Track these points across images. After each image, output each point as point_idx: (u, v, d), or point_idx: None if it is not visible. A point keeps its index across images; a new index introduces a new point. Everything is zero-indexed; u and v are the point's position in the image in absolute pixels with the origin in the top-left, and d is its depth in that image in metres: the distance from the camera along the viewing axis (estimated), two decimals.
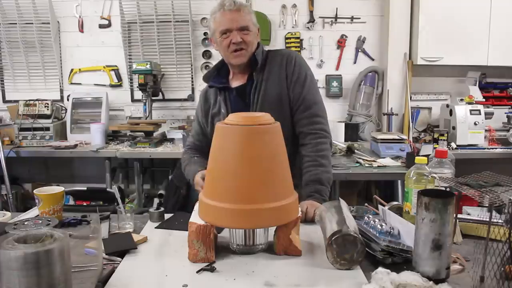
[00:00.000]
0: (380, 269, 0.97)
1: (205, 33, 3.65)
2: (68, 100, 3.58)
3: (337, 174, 2.43)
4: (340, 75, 3.66)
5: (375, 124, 3.58)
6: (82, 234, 1.31)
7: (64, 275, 0.87)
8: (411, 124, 3.40)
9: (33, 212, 1.52)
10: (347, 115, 3.66)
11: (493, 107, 3.33)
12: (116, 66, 3.70)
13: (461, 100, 3.14)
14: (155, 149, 3.08)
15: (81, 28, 3.66)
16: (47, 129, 3.28)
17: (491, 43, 3.30)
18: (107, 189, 1.96)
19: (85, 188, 1.92)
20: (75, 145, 3.15)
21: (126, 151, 3.07)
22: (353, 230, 1.08)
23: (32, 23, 3.54)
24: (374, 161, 2.67)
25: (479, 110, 3.06)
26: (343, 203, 1.25)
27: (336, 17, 3.62)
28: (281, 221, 1.13)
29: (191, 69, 3.67)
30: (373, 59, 3.68)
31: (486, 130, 3.10)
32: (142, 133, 3.33)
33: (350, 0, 3.61)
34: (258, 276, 1.04)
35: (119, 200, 1.37)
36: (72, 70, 3.70)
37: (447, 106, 3.24)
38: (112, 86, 3.71)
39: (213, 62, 3.51)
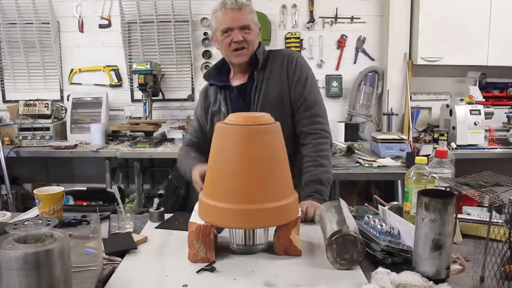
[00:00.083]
0: (380, 269, 0.97)
1: (205, 33, 3.65)
2: (68, 100, 3.58)
3: (337, 174, 2.43)
4: (340, 75, 3.66)
5: (375, 124, 3.58)
6: (82, 234, 1.31)
7: (64, 275, 0.87)
8: (411, 124, 3.40)
9: (33, 212, 1.52)
10: (347, 115, 3.66)
11: (493, 107, 3.34)
12: (116, 66, 3.70)
13: (461, 100, 3.14)
14: (155, 149, 3.08)
15: (81, 28, 3.66)
16: (47, 129, 3.28)
17: (491, 43, 3.30)
18: (107, 189, 1.96)
19: (85, 188, 1.92)
20: (75, 145, 3.15)
21: (126, 151, 3.07)
22: (353, 230, 1.08)
23: (32, 23, 3.54)
24: (374, 161, 2.67)
25: (479, 110, 3.06)
26: (343, 203, 1.25)
27: (336, 17, 3.62)
28: (281, 221, 1.13)
29: (191, 69, 3.67)
30: (373, 59, 3.68)
31: (486, 130, 3.10)
32: (142, 133, 3.33)
33: (350, 0, 3.61)
34: (258, 276, 1.04)
35: (119, 200, 1.37)
36: (72, 70, 3.70)
37: (447, 106, 3.24)
38: (112, 86, 3.71)
39: (213, 62, 3.51)
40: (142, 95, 3.47)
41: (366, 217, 1.25)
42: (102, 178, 3.21)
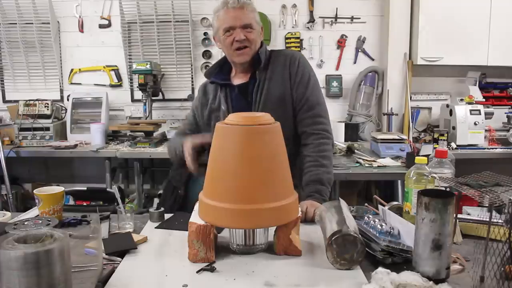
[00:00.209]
0: (380, 269, 0.97)
1: (205, 33, 3.65)
2: (68, 100, 3.58)
3: (337, 174, 2.43)
4: (340, 75, 3.66)
5: (375, 124, 3.58)
6: (82, 234, 1.31)
7: (64, 275, 0.87)
8: (411, 124, 3.40)
9: (33, 212, 1.52)
10: (347, 115, 3.66)
11: (493, 107, 3.34)
12: (116, 66, 3.70)
13: (461, 100, 3.14)
14: (155, 149, 3.08)
15: (81, 28, 3.66)
16: (47, 129, 3.28)
17: (491, 43, 3.30)
18: (107, 189, 1.97)
19: (85, 188, 1.92)
20: (75, 145, 3.15)
21: (126, 151, 3.07)
22: (353, 230, 1.08)
23: (32, 23, 3.54)
24: (374, 161, 2.67)
25: (479, 110, 3.06)
26: (343, 203, 1.25)
27: (336, 17, 3.62)
28: (281, 221, 1.13)
29: (191, 69, 3.67)
30: (373, 59, 3.68)
31: (486, 130, 3.10)
32: (142, 133, 3.33)
33: (350, 0, 3.61)
34: (258, 276, 1.04)
35: (119, 200, 1.37)
36: (72, 70, 3.70)
37: (447, 106, 3.24)
38: (112, 86, 3.72)
39: (213, 62, 3.50)
40: (142, 95, 3.47)
41: (366, 217, 1.25)
42: (102, 178, 3.21)
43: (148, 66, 3.29)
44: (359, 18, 3.63)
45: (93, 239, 1.19)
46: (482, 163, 2.58)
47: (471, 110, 3.05)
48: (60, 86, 3.72)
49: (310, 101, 1.66)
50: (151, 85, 3.39)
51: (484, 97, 3.38)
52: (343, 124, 3.42)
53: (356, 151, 2.94)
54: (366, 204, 1.52)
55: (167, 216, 1.47)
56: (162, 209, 1.45)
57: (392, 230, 1.17)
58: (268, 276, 1.03)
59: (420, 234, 0.99)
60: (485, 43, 3.31)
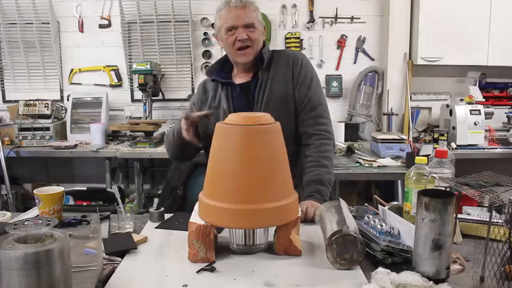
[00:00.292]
0: (380, 269, 0.97)
1: (205, 33, 3.65)
2: (68, 100, 3.58)
3: (337, 174, 2.43)
4: (340, 75, 3.66)
5: (375, 124, 3.58)
6: (82, 234, 1.31)
7: (64, 275, 0.87)
8: (411, 124, 3.40)
9: (33, 212, 1.52)
10: (347, 115, 3.66)
11: (493, 107, 3.34)
12: (116, 66, 3.70)
13: (461, 100, 3.14)
14: (155, 149, 3.08)
15: (81, 28, 3.66)
16: (47, 129, 3.29)
17: (491, 43, 3.30)
18: (107, 189, 1.96)
19: (85, 188, 1.92)
20: (75, 145, 3.15)
21: (126, 151, 3.07)
22: (353, 230, 1.08)
23: (32, 23, 3.54)
24: (374, 161, 2.67)
25: (479, 110, 3.06)
26: (343, 203, 1.25)
27: (336, 17, 3.62)
28: (281, 221, 1.13)
29: (191, 69, 3.67)
30: (373, 59, 3.68)
31: (486, 130, 3.10)
32: (142, 133, 3.33)
33: (350, 0, 3.61)
34: (258, 276, 1.04)
35: (119, 200, 1.37)
36: (72, 70, 3.70)
37: (447, 106, 3.24)
38: (112, 86, 3.72)
39: (213, 62, 3.50)
40: (142, 95, 3.47)
41: (366, 217, 1.25)
42: (102, 178, 3.21)
43: (148, 66, 3.29)
44: (359, 18, 3.63)
45: (93, 239, 1.19)
46: (482, 163, 2.58)
47: (471, 110, 3.06)
48: (60, 86, 3.72)
49: (312, 102, 1.66)
50: (151, 85, 3.39)
51: (484, 97, 3.38)
52: (343, 124, 3.42)
53: (356, 151, 2.94)
54: (366, 204, 1.52)
55: (167, 216, 1.47)
56: (162, 209, 1.45)
57: (392, 230, 1.17)
58: (268, 276, 1.03)
59: (420, 234, 0.99)
60: (485, 43, 3.31)
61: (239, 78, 1.71)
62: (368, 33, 3.64)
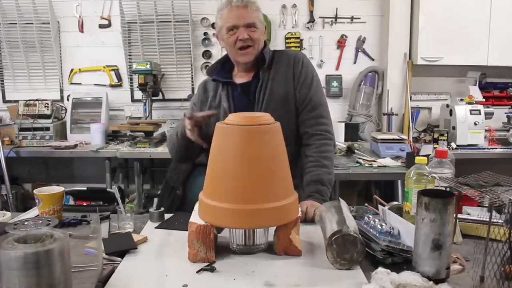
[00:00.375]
0: (380, 269, 0.97)
1: (205, 33, 3.65)
2: (68, 100, 3.58)
3: (337, 174, 2.42)
4: (340, 75, 3.66)
5: (375, 124, 3.58)
6: (82, 234, 1.31)
7: (64, 275, 0.87)
8: (411, 124, 3.40)
9: (33, 212, 1.52)
10: (347, 115, 3.66)
11: (493, 107, 3.34)
12: (116, 66, 3.70)
13: (461, 100, 3.14)
14: (155, 149, 3.08)
15: (81, 28, 3.66)
16: (47, 129, 3.28)
17: (491, 43, 3.30)
18: (107, 189, 1.96)
19: (85, 188, 1.91)
20: (75, 145, 3.15)
21: (126, 151, 3.07)
22: (353, 230, 1.08)
23: (32, 23, 3.54)
24: (374, 161, 2.67)
25: (479, 110, 3.06)
26: (343, 203, 1.25)
27: (336, 17, 3.62)
28: (281, 221, 1.13)
29: (191, 69, 3.67)
30: (373, 59, 3.68)
31: (486, 130, 3.10)
32: (142, 133, 3.33)
33: (350, 0, 3.61)
34: (258, 276, 1.04)
35: (119, 200, 1.37)
36: (72, 70, 3.70)
37: (447, 106, 3.24)
38: (112, 86, 3.72)
39: (213, 62, 3.50)
40: (142, 95, 3.47)
41: (366, 217, 1.25)
42: (102, 178, 3.21)
43: (148, 66, 3.29)
44: (359, 18, 3.63)
45: (93, 239, 1.19)
46: (482, 163, 2.58)
47: (471, 110, 3.06)
48: (60, 86, 3.72)
49: (313, 102, 1.66)
50: (151, 85, 3.39)
51: (484, 97, 3.38)
52: (343, 124, 3.42)
53: (356, 151, 2.94)
54: (366, 204, 1.52)
55: (167, 216, 1.47)
56: (162, 209, 1.45)
57: (392, 230, 1.17)
58: (268, 276, 1.03)
59: (420, 234, 0.99)
60: (485, 43, 3.31)
61: (240, 78, 1.71)
62: (368, 33, 3.64)
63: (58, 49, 3.67)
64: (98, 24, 3.66)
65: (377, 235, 1.14)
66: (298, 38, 3.62)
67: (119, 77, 3.71)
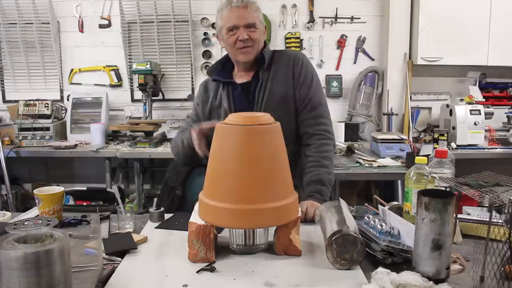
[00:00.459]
0: (380, 269, 0.97)
1: (205, 33, 3.65)
2: (68, 100, 3.58)
3: (337, 174, 2.42)
4: (340, 75, 3.66)
5: (375, 124, 3.58)
6: (82, 234, 1.31)
7: (64, 275, 0.87)
8: (411, 124, 3.40)
9: (33, 212, 1.52)
10: (347, 115, 3.66)
11: (493, 107, 3.34)
12: (116, 66, 3.70)
13: (461, 100, 3.14)
14: (155, 149, 3.08)
15: (81, 28, 3.66)
16: (47, 129, 3.28)
17: (491, 43, 3.30)
18: (107, 189, 1.96)
19: (85, 188, 1.91)
20: (75, 145, 3.15)
21: (126, 151, 3.07)
22: (353, 230, 1.08)
23: (32, 23, 3.54)
24: (374, 161, 2.67)
25: (479, 110, 3.06)
26: (343, 203, 1.25)
27: (336, 17, 3.62)
28: (281, 221, 1.13)
29: (191, 69, 3.67)
30: (373, 59, 3.68)
31: (486, 130, 3.10)
32: (142, 133, 3.33)
33: (350, 0, 3.61)
34: (258, 276, 1.04)
35: (119, 200, 1.37)
36: (72, 70, 3.70)
37: (447, 106, 3.24)
38: (112, 86, 3.71)
39: (213, 62, 3.50)
40: (142, 95, 3.47)
41: (366, 217, 1.25)
42: (102, 178, 3.21)
43: (148, 66, 3.29)
44: (359, 18, 3.63)
45: (93, 239, 1.19)
46: (482, 163, 2.58)
47: (471, 110, 3.06)
48: (60, 86, 3.72)
49: (312, 102, 1.66)
50: (151, 85, 3.39)
51: (484, 97, 3.38)
52: (343, 124, 3.42)
53: (356, 151, 2.94)
54: (366, 204, 1.52)
55: (167, 216, 1.47)
56: (162, 209, 1.45)
57: (392, 230, 1.17)
58: (268, 276, 1.03)
59: (420, 234, 0.99)
60: (485, 43, 3.31)
61: (240, 78, 1.72)
62: (368, 33, 3.64)
63: (58, 49, 3.67)
64: (98, 24, 3.66)
65: (377, 235, 1.14)
66: (298, 38, 3.62)
67: (119, 77, 3.71)
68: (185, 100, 3.72)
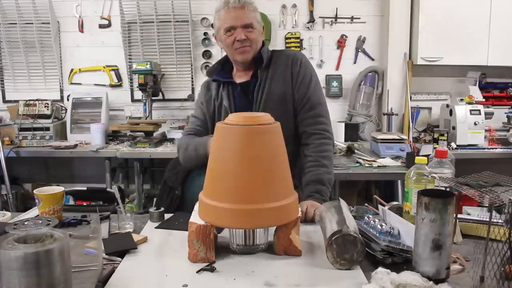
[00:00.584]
0: (380, 269, 0.97)
1: (205, 33, 3.65)
2: (68, 100, 3.58)
3: (337, 174, 2.42)
4: (340, 75, 3.66)
5: (375, 124, 3.58)
6: (82, 234, 1.31)
7: (64, 275, 0.87)
8: (411, 124, 3.40)
9: (33, 212, 1.52)
10: (347, 115, 3.66)
11: (493, 107, 3.34)
12: (116, 66, 3.70)
13: (461, 100, 3.14)
14: (155, 149, 3.08)
15: (81, 28, 3.66)
16: (47, 129, 3.28)
17: (491, 43, 3.30)
18: (107, 189, 1.96)
19: (85, 188, 1.91)
20: (75, 145, 3.15)
21: (126, 151, 3.07)
22: (353, 230, 1.08)
23: (32, 23, 3.54)
24: (374, 161, 2.67)
25: (479, 110, 3.06)
26: (343, 203, 1.25)
27: (336, 17, 3.62)
28: (281, 221, 1.13)
29: (191, 69, 3.67)
30: (373, 59, 3.68)
31: (486, 130, 3.10)
32: (142, 133, 3.33)
33: (350, 0, 3.61)
34: (258, 276, 1.04)
35: (119, 200, 1.37)
36: (72, 70, 3.70)
37: (447, 106, 3.24)
38: (112, 86, 3.71)
39: (213, 62, 3.51)
40: (142, 95, 3.47)
41: (366, 217, 1.25)
42: (102, 178, 3.21)
43: (148, 66, 3.29)
44: (359, 18, 3.63)
45: (93, 239, 1.19)
46: (482, 163, 2.58)
47: (471, 110, 3.05)
48: (60, 86, 3.72)
49: (311, 101, 1.66)
50: (151, 85, 3.39)
51: (484, 97, 3.38)
52: (343, 124, 3.42)
53: (356, 151, 2.94)
54: (366, 204, 1.52)
55: (167, 216, 1.47)
56: (162, 209, 1.45)
57: (392, 230, 1.17)
58: (268, 276, 1.03)
59: (420, 234, 0.99)
60: (485, 43, 3.31)
61: (239, 78, 1.72)
62: (368, 33, 3.64)
63: (58, 49, 3.67)
64: (98, 24, 3.66)
65: (377, 235, 1.14)
66: (298, 38, 3.62)
67: (119, 77, 3.71)
68: (185, 100, 3.72)
